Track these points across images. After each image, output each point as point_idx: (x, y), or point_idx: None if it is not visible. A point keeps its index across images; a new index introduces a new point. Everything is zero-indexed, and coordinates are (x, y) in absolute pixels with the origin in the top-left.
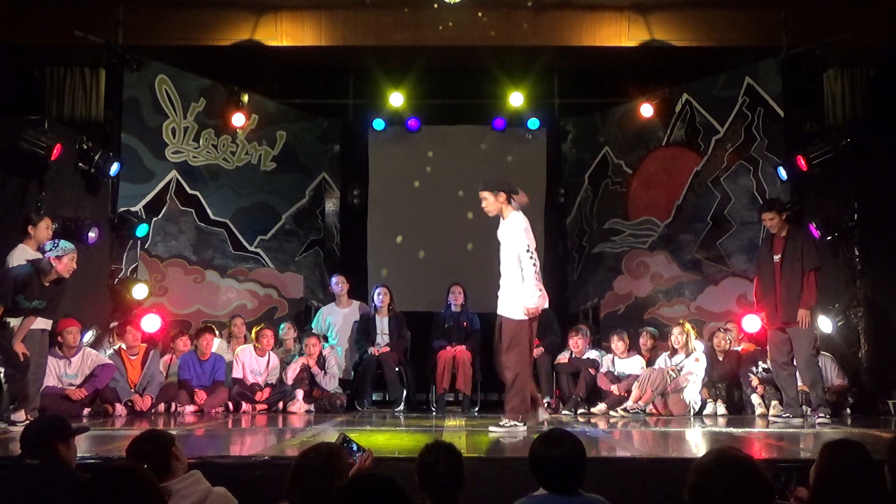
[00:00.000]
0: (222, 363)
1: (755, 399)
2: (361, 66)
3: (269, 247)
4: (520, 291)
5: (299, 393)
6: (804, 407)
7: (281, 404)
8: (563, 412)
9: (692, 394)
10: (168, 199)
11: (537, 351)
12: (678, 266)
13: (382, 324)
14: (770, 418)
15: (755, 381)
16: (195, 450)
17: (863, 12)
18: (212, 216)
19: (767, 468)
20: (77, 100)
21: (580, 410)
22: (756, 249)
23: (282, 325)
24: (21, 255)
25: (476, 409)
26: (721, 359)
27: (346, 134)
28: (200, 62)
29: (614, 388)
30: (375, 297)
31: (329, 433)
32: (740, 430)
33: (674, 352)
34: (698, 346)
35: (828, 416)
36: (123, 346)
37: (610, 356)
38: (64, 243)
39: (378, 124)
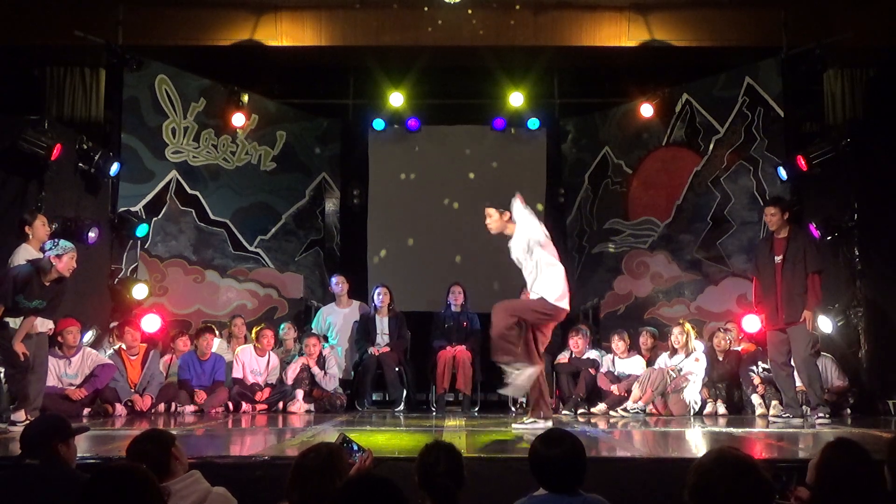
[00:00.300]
0: (222, 363)
1: (755, 399)
2: (361, 66)
3: (269, 247)
4: (557, 286)
5: (299, 393)
6: (804, 407)
7: (281, 404)
8: (563, 412)
9: (692, 394)
10: (168, 199)
11: None
12: (678, 266)
13: (382, 324)
14: (770, 418)
15: (755, 381)
16: (195, 450)
17: (863, 12)
18: (212, 216)
19: (767, 468)
20: (77, 100)
21: (580, 410)
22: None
23: (282, 325)
24: (24, 255)
25: (476, 409)
26: (721, 359)
27: (346, 134)
28: (200, 62)
29: (614, 388)
30: (375, 297)
31: (329, 433)
32: (740, 430)
33: (674, 352)
34: (698, 346)
35: (827, 416)
36: (123, 346)
37: (610, 356)
38: (64, 242)
39: (378, 124)
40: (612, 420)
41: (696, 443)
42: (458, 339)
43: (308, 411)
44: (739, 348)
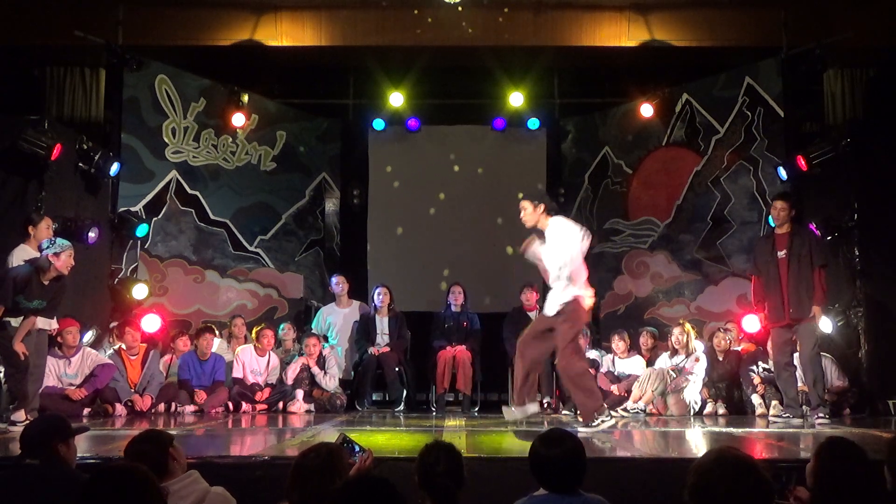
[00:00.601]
0: (222, 363)
1: (755, 399)
2: (361, 66)
3: (269, 247)
4: (581, 285)
5: (299, 393)
6: (804, 407)
7: (281, 404)
8: (563, 412)
9: (692, 394)
10: (168, 199)
11: None
12: (678, 266)
13: (382, 324)
14: (770, 418)
15: (755, 381)
16: (195, 450)
17: (863, 12)
18: (212, 216)
19: (767, 468)
20: (77, 100)
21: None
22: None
23: (281, 325)
24: (21, 254)
25: (476, 409)
26: (721, 359)
27: (346, 134)
28: (200, 62)
29: (614, 388)
30: (375, 297)
31: (329, 433)
32: (740, 430)
33: (674, 352)
34: (698, 346)
35: (827, 416)
36: (123, 346)
37: (610, 356)
38: (61, 240)
39: (378, 124)
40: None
41: (696, 443)
42: (458, 339)
43: (308, 411)
44: (739, 348)
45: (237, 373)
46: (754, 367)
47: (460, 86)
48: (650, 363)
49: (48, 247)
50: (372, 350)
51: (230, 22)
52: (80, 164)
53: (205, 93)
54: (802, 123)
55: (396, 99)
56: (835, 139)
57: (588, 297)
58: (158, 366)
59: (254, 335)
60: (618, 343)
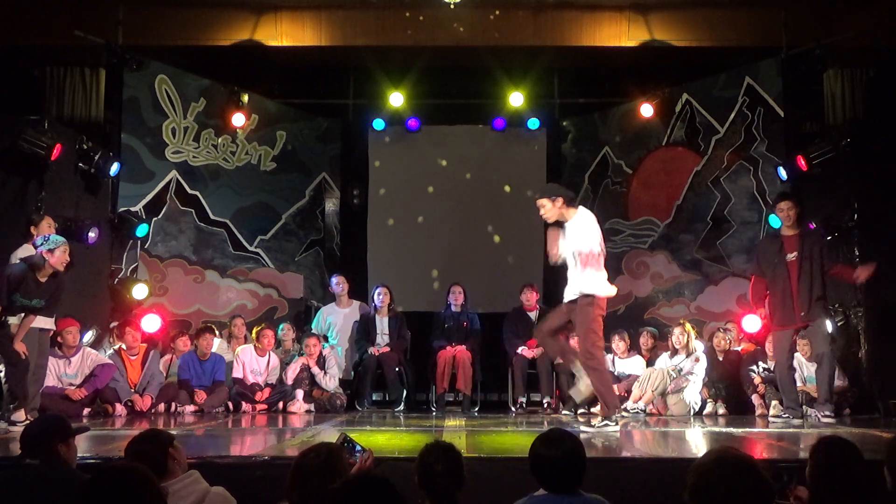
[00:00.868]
0: (222, 363)
1: (755, 399)
2: (361, 66)
3: (269, 247)
4: (600, 276)
5: (299, 393)
6: (804, 407)
7: (281, 404)
8: (563, 412)
9: (692, 394)
10: (168, 199)
11: (537, 351)
12: (678, 266)
13: (382, 324)
14: (770, 419)
15: (755, 381)
16: (195, 450)
17: (863, 12)
18: (212, 216)
19: (767, 468)
20: (77, 100)
21: (580, 410)
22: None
23: (281, 325)
24: (24, 254)
25: (476, 409)
26: (721, 359)
27: (346, 134)
28: (200, 62)
29: (615, 389)
30: (375, 297)
31: (329, 433)
32: (740, 430)
33: (674, 352)
34: (698, 346)
35: (833, 414)
36: (123, 346)
37: (610, 356)
38: (55, 237)
39: (378, 124)
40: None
41: (696, 443)
42: (458, 339)
43: (308, 411)
44: (739, 348)
45: (237, 373)
46: (754, 367)
47: (460, 86)
48: (650, 363)
49: (42, 244)
50: (372, 350)
51: (230, 22)
52: (80, 164)
53: (205, 93)
54: (802, 123)
55: (396, 99)
56: (835, 139)
57: (605, 289)
58: (158, 366)
59: (254, 335)
60: (618, 343)
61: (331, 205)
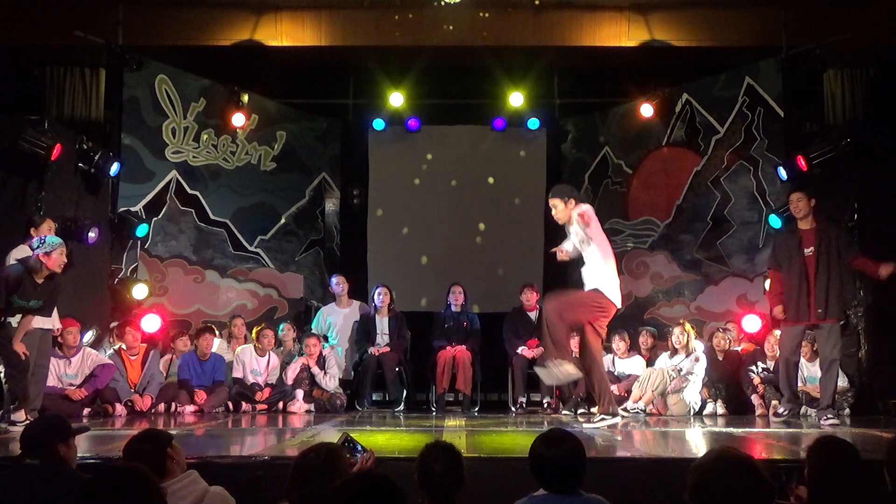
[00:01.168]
0: (222, 363)
1: (755, 399)
2: (361, 66)
3: (269, 247)
4: (613, 280)
5: (299, 393)
6: (804, 407)
7: (281, 404)
8: (563, 412)
9: (692, 394)
10: (168, 199)
11: (537, 351)
12: (678, 266)
13: (382, 324)
14: (771, 418)
15: (755, 381)
16: (195, 450)
17: (863, 12)
18: (212, 216)
19: (767, 468)
20: (77, 100)
21: (580, 410)
22: (756, 250)
23: (281, 325)
24: (20, 254)
25: (476, 409)
26: (721, 359)
27: (346, 134)
28: (200, 62)
29: (614, 389)
30: (375, 297)
31: (329, 433)
32: (740, 430)
33: (674, 352)
34: (698, 346)
35: (836, 418)
36: (123, 347)
37: (610, 356)
38: (51, 238)
39: (378, 124)
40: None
41: (696, 443)
42: (458, 339)
43: (308, 411)
44: (739, 348)
45: (237, 373)
46: (754, 367)
47: (460, 86)
48: (650, 363)
49: (38, 246)
50: (372, 350)
51: (230, 22)
52: (80, 164)
53: (205, 93)
54: (802, 123)
55: (396, 99)
56: (835, 139)
57: (609, 293)
58: (158, 366)
59: (254, 335)
60: (618, 343)
61: (331, 205)
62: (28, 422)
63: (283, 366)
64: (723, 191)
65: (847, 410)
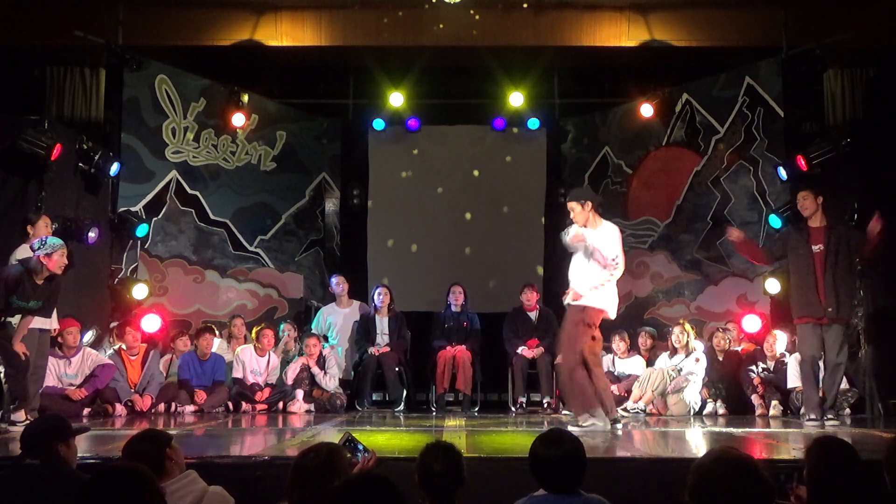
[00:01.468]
0: (222, 363)
1: (755, 399)
2: (361, 66)
3: (269, 247)
4: (603, 290)
5: (299, 393)
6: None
7: (281, 404)
8: (563, 412)
9: (692, 394)
10: (168, 199)
11: (537, 351)
12: (678, 266)
13: (382, 324)
14: (805, 423)
15: (755, 381)
16: (195, 450)
17: (863, 12)
18: (212, 216)
19: (767, 468)
20: (77, 100)
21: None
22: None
23: (281, 325)
24: (21, 254)
25: (476, 409)
26: (721, 359)
27: (346, 134)
28: (200, 62)
29: (614, 389)
30: (375, 297)
31: (329, 433)
32: (740, 430)
33: (674, 352)
34: (698, 346)
35: (837, 419)
36: (123, 347)
37: (610, 356)
38: (51, 240)
39: (378, 124)
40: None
41: (696, 443)
42: (458, 339)
43: (308, 411)
44: (739, 348)
45: (237, 373)
46: (754, 367)
47: (460, 86)
48: (649, 363)
49: (39, 248)
50: (372, 350)
51: (230, 22)
52: (80, 164)
53: (205, 93)
54: (802, 123)
55: (396, 99)
56: (835, 139)
57: (603, 303)
58: (158, 366)
59: (254, 335)
60: (618, 343)
61: (331, 205)
62: (28, 422)
63: (283, 366)
64: (723, 191)
65: (847, 410)
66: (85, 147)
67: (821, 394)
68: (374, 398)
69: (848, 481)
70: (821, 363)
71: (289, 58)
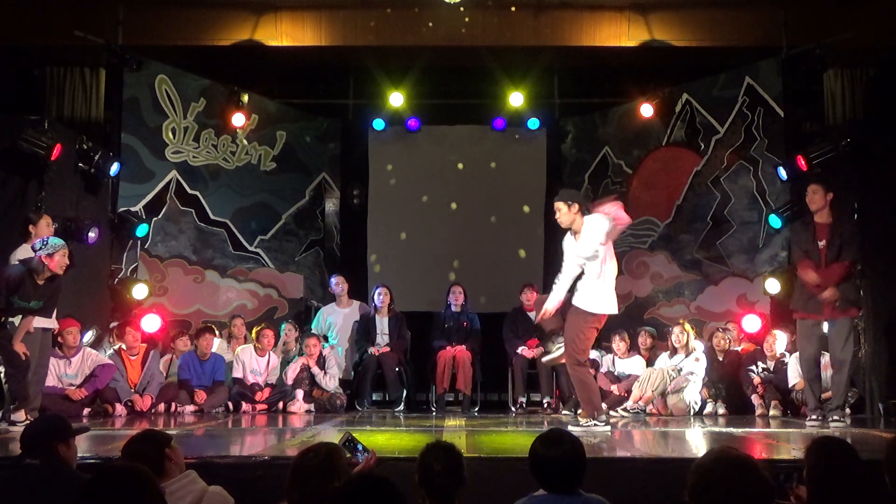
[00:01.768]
0: (222, 363)
1: (755, 399)
2: (361, 66)
3: (269, 247)
4: (600, 290)
5: (299, 393)
6: (802, 406)
7: (281, 404)
8: (563, 412)
9: (692, 394)
10: (168, 199)
11: (537, 351)
12: (678, 266)
13: (382, 324)
14: (808, 423)
15: (755, 381)
16: (195, 450)
17: (863, 12)
18: (212, 216)
19: (767, 468)
20: (77, 100)
21: (580, 410)
22: (756, 250)
23: (282, 325)
24: (24, 254)
25: (476, 409)
26: (721, 359)
27: (346, 134)
28: (200, 62)
29: (614, 389)
30: (375, 297)
31: (329, 433)
32: (740, 430)
33: (674, 352)
34: (698, 346)
35: (843, 419)
36: (123, 347)
37: (610, 356)
38: (53, 240)
39: (378, 124)
40: (612, 420)
41: (696, 443)
42: (458, 340)
43: (308, 411)
44: (739, 348)
45: (237, 373)
46: (754, 367)
47: (460, 86)
48: (649, 363)
49: (40, 248)
50: (372, 350)
51: (230, 22)
52: (80, 164)
53: (205, 93)
54: (802, 123)
55: (396, 99)
56: (835, 139)
57: (601, 306)
58: (158, 366)
59: (254, 335)
60: (618, 343)
61: (331, 205)
62: (28, 422)
63: (283, 366)
64: (723, 191)
65: (847, 410)
66: (85, 147)
67: (827, 394)
68: (374, 398)
69: (848, 481)
70: (823, 361)
71: (289, 58)
